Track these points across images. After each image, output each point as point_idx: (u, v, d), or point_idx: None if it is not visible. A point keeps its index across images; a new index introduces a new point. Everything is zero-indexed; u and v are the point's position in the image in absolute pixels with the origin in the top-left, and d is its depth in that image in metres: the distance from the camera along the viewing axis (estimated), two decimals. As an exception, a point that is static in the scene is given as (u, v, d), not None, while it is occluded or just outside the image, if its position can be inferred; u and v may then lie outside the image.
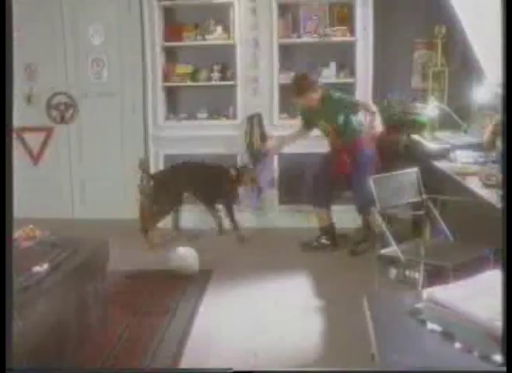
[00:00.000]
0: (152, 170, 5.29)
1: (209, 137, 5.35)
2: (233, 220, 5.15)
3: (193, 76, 5.47)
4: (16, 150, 5.88)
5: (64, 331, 2.83)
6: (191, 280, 4.06)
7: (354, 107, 4.60)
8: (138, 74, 5.55)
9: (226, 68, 5.48)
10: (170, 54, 5.59)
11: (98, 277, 3.20)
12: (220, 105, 5.55)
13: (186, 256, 4.18)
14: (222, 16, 5.43)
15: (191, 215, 5.36)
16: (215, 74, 5.45)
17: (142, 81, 5.51)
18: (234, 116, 5.47)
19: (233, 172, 5.12)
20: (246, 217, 5.35)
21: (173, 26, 5.51)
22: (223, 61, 5.48)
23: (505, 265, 1.64)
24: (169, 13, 5.53)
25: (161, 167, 5.42)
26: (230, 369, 2.34)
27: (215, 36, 5.39)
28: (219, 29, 5.39)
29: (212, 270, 4.29)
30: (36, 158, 5.88)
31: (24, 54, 5.67)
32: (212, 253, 4.58)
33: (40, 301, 2.53)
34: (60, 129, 5.84)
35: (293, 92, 4.62)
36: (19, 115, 5.78)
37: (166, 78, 5.49)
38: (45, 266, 2.71)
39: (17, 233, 3.12)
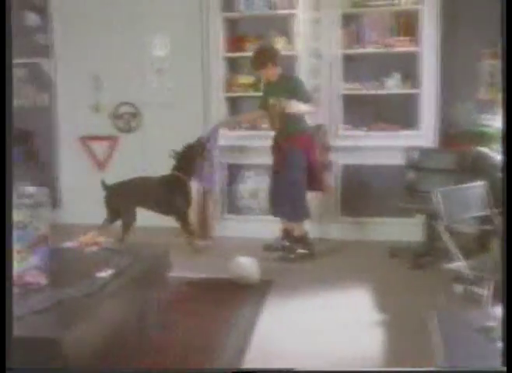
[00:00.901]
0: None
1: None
2: (187, 229, 5.01)
3: (255, 86, 5.50)
4: (83, 158, 6.06)
5: (126, 336, 2.86)
6: (251, 290, 4.05)
7: (306, 95, 4.67)
8: (201, 85, 5.62)
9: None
10: (233, 65, 5.64)
11: (159, 284, 3.23)
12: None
13: (247, 265, 4.18)
14: (284, 27, 5.44)
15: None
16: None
17: (205, 92, 5.58)
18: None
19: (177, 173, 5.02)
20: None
21: (235, 36, 5.56)
22: (285, 71, 5.47)
23: (505, 265, 1.68)
24: (232, 24, 5.59)
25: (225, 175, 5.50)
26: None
27: (277, 47, 5.40)
28: (281, 39, 5.40)
29: (273, 280, 4.27)
30: (101, 166, 6.02)
31: (92, 65, 5.85)
32: (272, 263, 4.56)
33: (104, 306, 2.56)
34: (125, 138, 5.98)
35: (253, 64, 4.75)
36: (87, 124, 5.96)
37: (228, 88, 5.53)
38: (109, 271, 2.75)
39: (82, 238, 3.19)
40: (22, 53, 6.12)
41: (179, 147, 5.08)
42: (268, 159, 4.99)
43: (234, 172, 5.56)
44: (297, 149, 4.70)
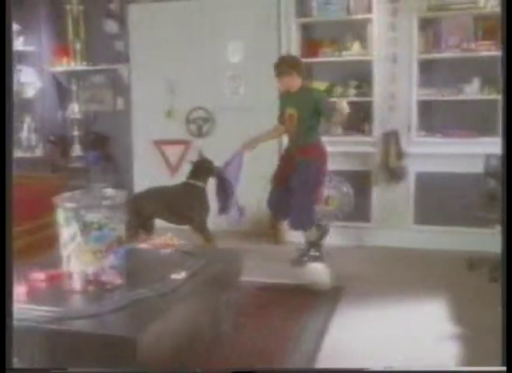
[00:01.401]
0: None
1: (345, 154, 5.29)
2: (206, 237, 4.75)
3: (328, 92, 5.44)
4: (156, 162, 6.17)
5: (198, 337, 2.86)
6: (322, 296, 4.00)
7: (329, 109, 4.47)
8: (275, 90, 5.61)
9: (362, 85, 5.40)
10: (306, 70, 5.60)
11: (231, 288, 3.23)
12: (354, 121, 5.47)
13: (319, 271, 4.14)
14: (359, 32, 5.38)
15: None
16: (351, 91, 5.39)
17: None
18: (370, 133, 5.37)
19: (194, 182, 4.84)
20: (376, 235, 5.22)
21: (310, 42, 5.54)
22: (359, 77, 5.41)
23: (505, 266, 1.66)
24: (306, 29, 5.57)
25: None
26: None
27: (352, 52, 5.35)
28: (356, 44, 5.33)
29: (344, 287, 4.20)
30: (173, 170, 6.11)
31: (166, 71, 5.97)
32: (344, 270, 4.50)
33: (177, 308, 2.58)
34: (197, 142, 6.04)
35: (279, 70, 4.61)
36: (160, 128, 6.08)
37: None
38: (183, 273, 2.76)
39: (157, 240, 3.23)
40: (102, 59, 6.33)
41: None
42: (341, 165, 4.93)
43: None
44: (312, 158, 4.63)
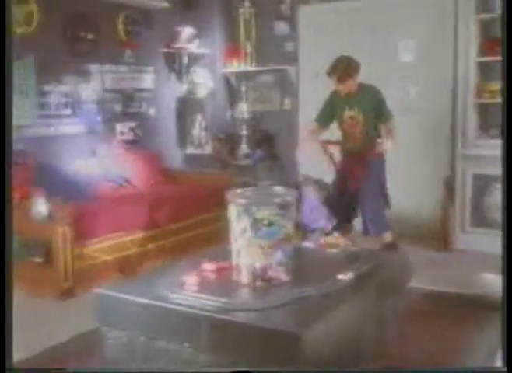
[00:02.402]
0: (459, 189, 5.12)
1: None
2: None
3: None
4: (321, 161, 6.15)
5: (362, 341, 2.79)
6: (493, 310, 3.74)
7: (388, 111, 4.40)
8: (447, 91, 5.38)
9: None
10: (484, 70, 5.29)
11: (398, 294, 3.11)
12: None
13: (492, 282, 3.88)
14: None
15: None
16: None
17: (452, 98, 5.32)
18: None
19: None
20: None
21: (490, 40, 5.20)
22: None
23: (505, 264, 1.60)
24: (486, 27, 5.25)
25: (469, 187, 5.20)
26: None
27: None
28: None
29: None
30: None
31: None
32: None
33: (341, 309, 2.53)
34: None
35: (339, 74, 4.41)
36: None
37: (478, 94, 5.20)
38: (349, 274, 2.71)
39: (324, 239, 3.22)
40: (271, 60, 6.46)
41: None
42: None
43: (480, 184, 5.21)
44: (378, 159, 4.52)
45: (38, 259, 4.26)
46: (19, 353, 3.10)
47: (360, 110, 4.53)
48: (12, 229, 2.22)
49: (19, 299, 4.14)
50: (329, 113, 4.73)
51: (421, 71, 5.62)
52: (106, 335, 2.59)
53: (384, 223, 4.64)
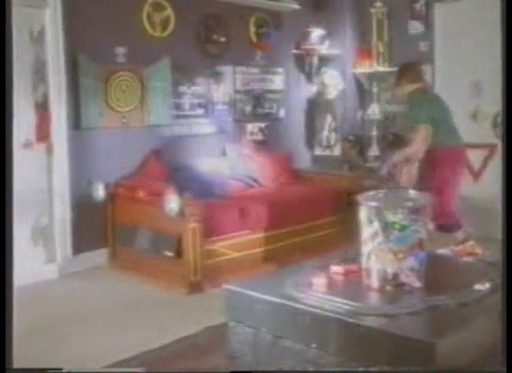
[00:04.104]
0: None
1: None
2: None
3: None
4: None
5: (492, 353, 2.64)
6: None
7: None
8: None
9: None
10: None
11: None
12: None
13: None
14: None
15: None
16: None
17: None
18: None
19: None
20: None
21: None
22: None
23: (505, 266, 1.62)
24: None
25: None
26: None
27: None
28: None
29: None
30: (476, 176, 5.81)
31: (471, 71, 5.69)
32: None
33: (479, 320, 2.40)
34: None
35: (406, 80, 4.58)
36: (464, 131, 5.81)
37: None
38: (486, 285, 2.56)
39: (458, 248, 3.08)
40: (403, 60, 6.26)
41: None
42: None
43: None
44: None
45: (169, 254, 4.43)
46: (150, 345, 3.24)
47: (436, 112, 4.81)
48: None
49: (150, 291, 4.34)
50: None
51: None
52: (233, 330, 2.62)
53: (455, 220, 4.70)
